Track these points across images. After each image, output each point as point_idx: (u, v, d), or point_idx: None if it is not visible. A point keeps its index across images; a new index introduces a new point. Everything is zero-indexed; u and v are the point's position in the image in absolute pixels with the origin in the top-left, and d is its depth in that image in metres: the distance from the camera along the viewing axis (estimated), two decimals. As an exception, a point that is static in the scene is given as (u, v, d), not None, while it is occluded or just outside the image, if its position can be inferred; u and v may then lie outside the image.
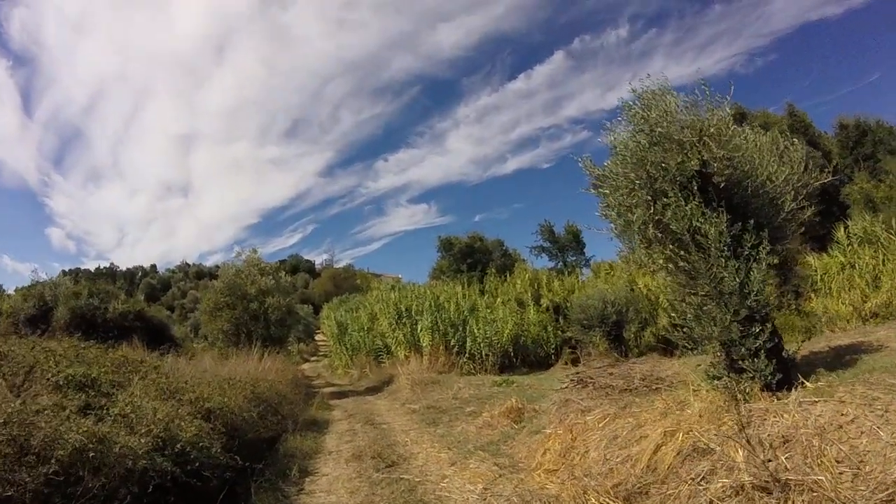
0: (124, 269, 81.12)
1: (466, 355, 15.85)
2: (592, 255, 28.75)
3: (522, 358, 16.43)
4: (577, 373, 8.47)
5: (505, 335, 16.04)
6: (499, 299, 18.55)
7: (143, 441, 4.33)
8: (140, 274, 79.93)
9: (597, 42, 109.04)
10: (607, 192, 5.62)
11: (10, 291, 20.91)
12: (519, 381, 12.55)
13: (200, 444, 4.91)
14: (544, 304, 18.22)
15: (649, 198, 5.32)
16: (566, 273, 23.35)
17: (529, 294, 19.09)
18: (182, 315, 48.03)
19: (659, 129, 5.33)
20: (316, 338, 42.75)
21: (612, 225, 5.76)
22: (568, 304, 17.27)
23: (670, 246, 5.26)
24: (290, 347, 26.06)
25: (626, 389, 6.78)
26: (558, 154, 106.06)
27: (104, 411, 4.83)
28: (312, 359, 36.10)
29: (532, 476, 5.47)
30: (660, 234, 5.38)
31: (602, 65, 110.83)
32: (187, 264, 79.79)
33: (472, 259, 28.02)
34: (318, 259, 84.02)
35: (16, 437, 3.25)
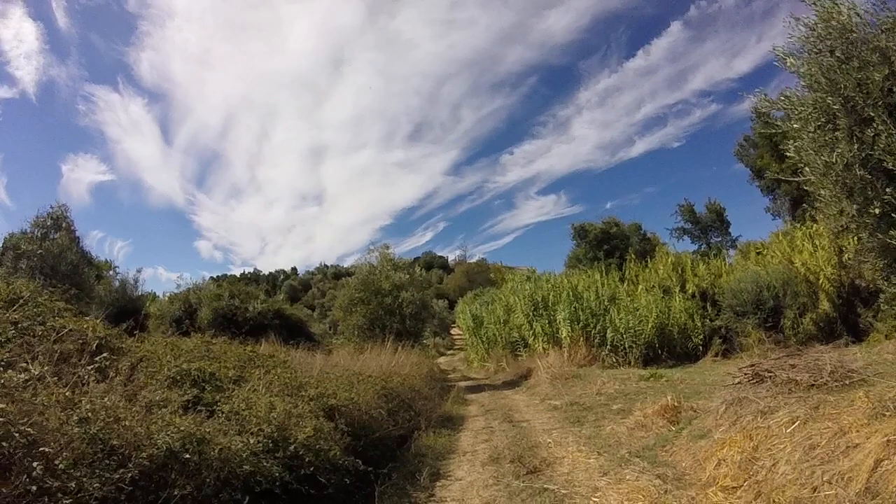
0: (267, 273, 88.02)
1: (608, 347, 14.59)
2: (739, 235, 25.92)
3: (668, 349, 14.78)
4: (752, 365, 7.01)
5: (649, 325, 14.50)
6: (640, 286, 16.94)
7: (251, 442, 3.89)
8: (282, 277, 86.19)
9: (714, 7, 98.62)
10: (797, 125, 4.29)
11: (164, 298, 23.10)
12: (667, 374, 11.22)
13: (317, 447, 4.40)
14: (689, 290, 16.43)
15: (854, 127, 3.96)
16: (711, 255, 20.99)
17: (674, 279, 17.24)
18: (322, 313, 50.74)
19: (853, 35, 3.97)
20: (451, 332, 42.97)
21: (806, 170, 4.42)
22: (716, 290, 15.54)
23: (888, 190, 3.88)
24: (425, 341, 26.14)
25: (812, 385, 5.37)
26: (688, 131, 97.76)
27: (217, 408, 4.52)
28: (448, 352, 36.21)
29: (706, 494, 4.34)
30: (869, 176, 4.00)
31: (723, 30, 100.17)
32: (325, 266, 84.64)
33: (608, 245, 26.36)
34: (451, 255, 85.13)
35: (95, 436, 2.85)
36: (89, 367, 4.40)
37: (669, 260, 18.89)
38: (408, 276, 18.97)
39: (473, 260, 71.64)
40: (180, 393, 4.67)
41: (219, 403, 4.60)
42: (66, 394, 3.21)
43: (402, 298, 17.96)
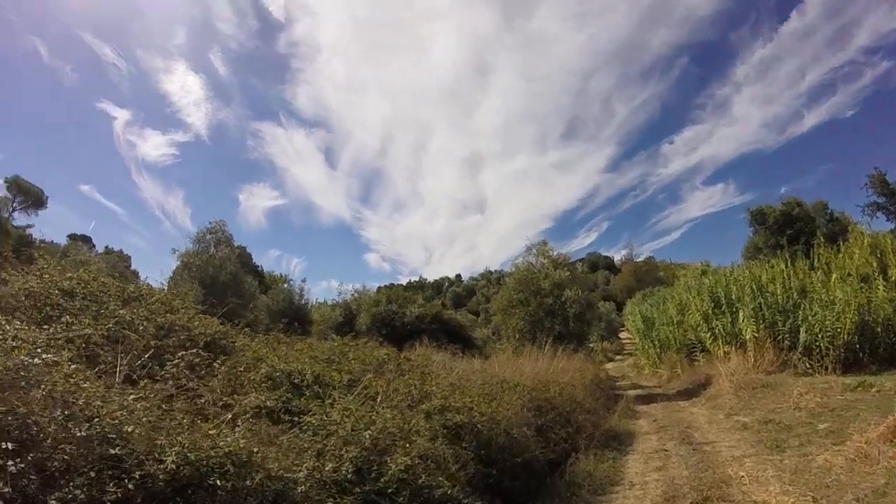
0: (432, 280, 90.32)
1: (800, 349, 11.72)
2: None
3: (870, 351, 11.52)
4: None
5: (848, 321, 11.35)
6: (833, 276, 13.53)
7: (327, 468, 2.89)
8: (446, 284, 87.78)
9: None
10: None
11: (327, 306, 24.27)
12: (878, 383, 8.62)
13: (419, 482, 3.28)
14: (893, 278, 12.69)
15: None
16: (916, 233, 16.45)
17: (873, 265, 13.65)
18: (485, 318, 50.33)
19: None
20: (620, 336, 39.90)
21: None
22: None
23: None
24: (591, 345, 24.17)
25: None
26: (860, 96, 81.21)
27: (304, 418, 3.63)
28: (617, 358, 33.46)
29: None
30: None
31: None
32: (490, 271, 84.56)
33: (791, 230, 22.46)
34: (617, 255, 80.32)
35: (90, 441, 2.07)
36: (179, 363, 3.91)
37: (865, 242, 15.05)
38: (569, 274, 17.39)
39: (640, 259, 66.43)
40: (270, 396, 3.90)
41: (310, 412, 3.72)
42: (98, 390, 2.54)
43: (565, 297, 16.43)
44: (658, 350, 18.63)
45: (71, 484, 2.07)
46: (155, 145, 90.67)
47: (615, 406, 10.93)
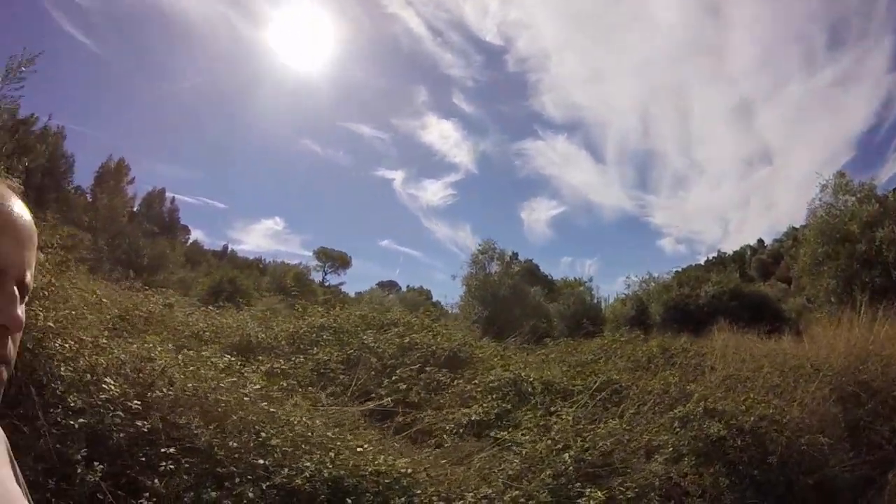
0: (731, 253, 79.14)
1: None
2: None
3: None
4: None
5: None
6: None
7: (508, 497, 2.50)
8: (748, 253, 75.86)
9: None
10: None
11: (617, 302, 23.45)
12: None
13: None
14: None
15: None
16: None
17: None
18: (797, 287, 41.92)
19: None
20: None
21: None
22: None
23: None
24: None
25: None
26: None
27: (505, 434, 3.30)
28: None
29: None
30: None
31: None
32: (794, 228, 70.41)
33: None
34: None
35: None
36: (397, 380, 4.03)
37: None
38: (879, 208, 13.21)
39: None
40: (482, 409, 3.72)
41: (516, 426, 3.39)
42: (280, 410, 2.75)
43: (879, 239, 12.57)
44: None
45: (207, 486, 2.20)
46: (433, 191, 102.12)
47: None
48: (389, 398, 3.90)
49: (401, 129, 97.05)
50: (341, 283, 52.24)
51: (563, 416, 3.55)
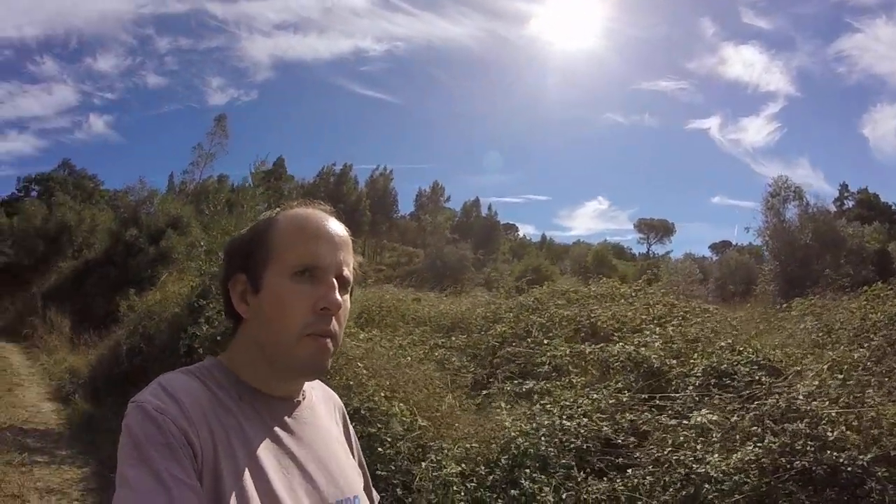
0: None
1: None
2: None
3: None
4: None
5: None
6: None
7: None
8: None
9: None
10: None
11: None
12: None
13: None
14: None
15: None
16: None
17: None
18: None
19: None
20: None
21: None
22: None
23: None
24: None
25: None
26: None
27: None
28: None
29: None
30: None
31: None
32: None
33: None
34: None
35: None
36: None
37: None
38: None
39: None
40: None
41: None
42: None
43: None
44: None
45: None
46: (755, 129, 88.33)
47: None
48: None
49: (699, 71, 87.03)
50: (668, 252, 49.92)
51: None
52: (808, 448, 2.41)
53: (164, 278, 9.73)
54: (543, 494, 2.41)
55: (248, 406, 0.84)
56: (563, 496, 2.42)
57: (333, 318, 0.83)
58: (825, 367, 3.12)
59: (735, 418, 2.74)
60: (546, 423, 2.84)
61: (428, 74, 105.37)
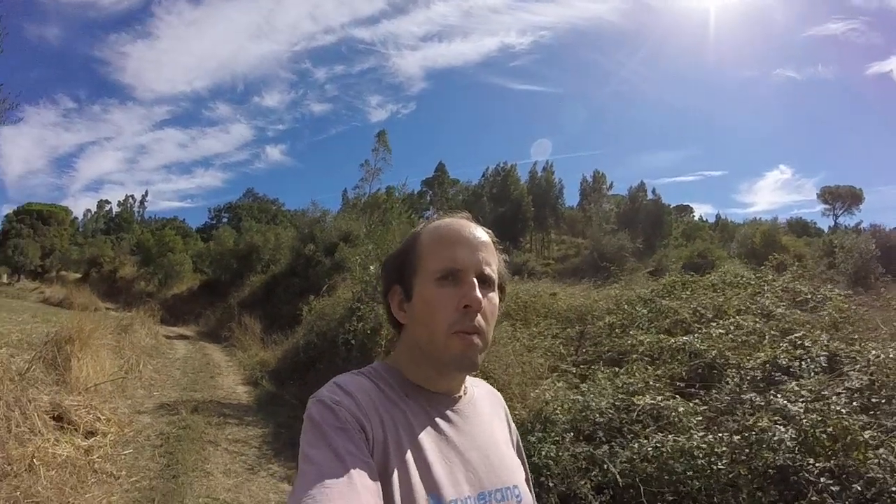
0: None
1: None
2: None
3: None
4: None
5: None
6: None
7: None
8: None
9: None
10: None
11: None
12: None
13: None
14: None
15: None
16: None
17: None
18: None
19: None
20: None
21: None
22: None
23: None
24: None
25: None
26: None
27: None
28: None
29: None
30: None
31: None
32: None
33: None
34: None
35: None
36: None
37: None
38: None
39: None
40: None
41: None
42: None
43: None
44: None
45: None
46: None
47: None
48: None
49: (868, 5, 72.62)
50: (858, 224, 43.27)
51: None
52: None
53: (335, 285, 11.57)
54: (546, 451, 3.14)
55: (413, 401, 0.92)
56: (560, 454, 3.12)
57: (479, 314, 0.90)
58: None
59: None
60: (572, 398, 3.52)
61: (578, 58, 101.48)
